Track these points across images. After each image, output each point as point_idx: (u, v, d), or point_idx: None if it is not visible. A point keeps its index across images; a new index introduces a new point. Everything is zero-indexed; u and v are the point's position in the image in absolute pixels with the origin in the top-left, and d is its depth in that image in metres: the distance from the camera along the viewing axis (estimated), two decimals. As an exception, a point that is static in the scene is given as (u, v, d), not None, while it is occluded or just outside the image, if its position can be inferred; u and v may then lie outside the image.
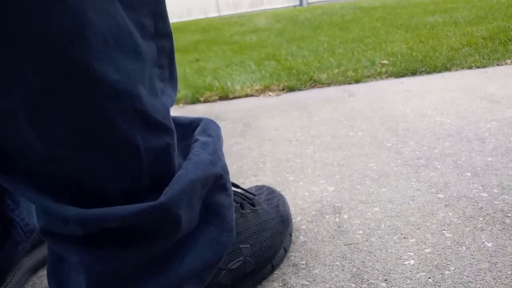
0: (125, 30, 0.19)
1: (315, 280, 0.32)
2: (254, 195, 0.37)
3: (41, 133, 0.19)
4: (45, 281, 0.37)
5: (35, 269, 0.38)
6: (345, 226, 0.40)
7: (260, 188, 0.41)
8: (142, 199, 0.22)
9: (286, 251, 0.35)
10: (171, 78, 0.24)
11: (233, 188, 0.40)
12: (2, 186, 0.33)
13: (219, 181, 0.27)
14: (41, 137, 0.19)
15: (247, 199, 0.35)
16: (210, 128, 0.29)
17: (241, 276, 0.30)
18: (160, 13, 0.22)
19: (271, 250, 0.33)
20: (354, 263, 0.34)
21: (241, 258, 0.30)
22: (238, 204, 0.33)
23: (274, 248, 0.34)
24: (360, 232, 0.38)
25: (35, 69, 0.17)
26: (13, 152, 0.19)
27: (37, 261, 0.38)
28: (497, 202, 0.40)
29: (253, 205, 0.35)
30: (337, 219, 0.41)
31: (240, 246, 0.30)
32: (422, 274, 0.31)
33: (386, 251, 0.35)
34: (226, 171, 0.28)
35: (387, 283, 0.31)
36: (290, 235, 0.37)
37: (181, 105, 1.01)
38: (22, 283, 0.36)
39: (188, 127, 0.30)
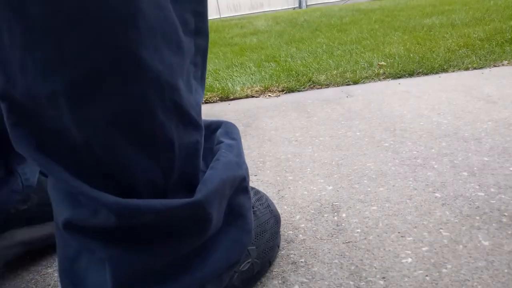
0: (171, 23, 0.19)
1: (314, 278, 0.33)
2: None
3: (79, 120, 0.18)
4: (48, 279, 0.38)
5: (29, 244, 0.38)
6: (343, 224, 0.40)
7: None
8: (170, 196, 0.22)
9: (279, 247, 0.36)
10: (202, 78, 0.24)
11: None
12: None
13: (242, 183, 0.27)
14: (79, 125, 0.19)
15: None
16: (233, 132, 0.29)
17: (250, 277, 0.31)
18: (201, 12, 0.22)
19: (273, 250, 0.34)
20: (352, 261, 0.34)
21: (250, 260, 0.30)
22: None
23: (273, 248, 0.34)
24: (358, 230, 0.39)
25: (83, 53, 0.17)
26: (55, 134, 0.19)
27: (34, 238, 0.38)
28: (494, 201, 0.40)
29: (251, 207, 0.35)
30: (335, 217, 0.41)
31: (248, 248, 0.31)
32: (419, 272, 0.32)
33: (384, 249, 0.35)
34: (248, 174, 0.29)
35: (385, 280, 0.31)
36: (279, 233, 0.38)
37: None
38: (10, 251, 0.36)
39: (207, 129, 0.29)
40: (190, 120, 0.22)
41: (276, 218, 0.37)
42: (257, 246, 0.32)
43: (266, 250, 0.33)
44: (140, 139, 0.20)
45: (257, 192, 0.40)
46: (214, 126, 0.30)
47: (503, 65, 0.98)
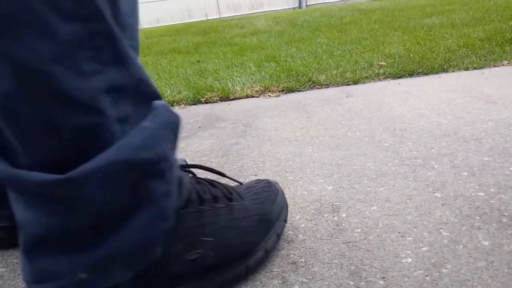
0: (34, 12, 0.20)
1: (314, 278, 0.33)
2: (241, 183, 0.37)
3: None
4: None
5: None
6: (343, 224, 0.40)
7: (259, 181, 0.40)
8: None
9: (267, 253, 0.34)
10: (118, 61, 0.24)
11: (217, 179, 0.40)
12: None
13: (152, 167, 0.27)
14: None
15: (227, 193, 0.34)
16: (158, 114, 0.28)
17: (201, 268, 0.30)
18: None
19: (239, 248, 0.32)
20: (352, 261, 0.34)
21: (201, 251, 0.30)
22: (211, 197, 0.32)
23: (244, 248, 0.32)
24: (358, 230, 0.39)
25: None
26: None
27: None
28: (494, 201, 0.40)
29: (230, 200, 0.34)
30: (335, 217, 0.41)
31: (202, 238, 0.30)
32: (419, 272, 0.32)
33: (384, 249, 0.35)
34: (163, 158, 0.27)
35: (385, 280, 0.31)
36: (278, 236, 0.36)
37: (182, 105, 1.01)
38: None
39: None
40: (77, 104, 0.22)
41: (261, 218, 0.34)
42: (217, 239, 0.30)
43: (229, 246, 0.31)
44: (20, 124, 0.22)
45: (268, 187, 0.38)
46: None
47: (503, 65, 0.98)
